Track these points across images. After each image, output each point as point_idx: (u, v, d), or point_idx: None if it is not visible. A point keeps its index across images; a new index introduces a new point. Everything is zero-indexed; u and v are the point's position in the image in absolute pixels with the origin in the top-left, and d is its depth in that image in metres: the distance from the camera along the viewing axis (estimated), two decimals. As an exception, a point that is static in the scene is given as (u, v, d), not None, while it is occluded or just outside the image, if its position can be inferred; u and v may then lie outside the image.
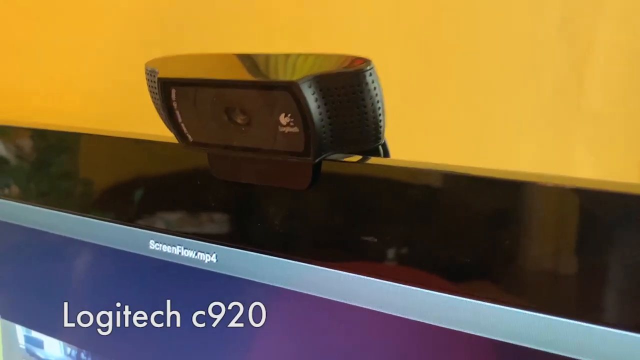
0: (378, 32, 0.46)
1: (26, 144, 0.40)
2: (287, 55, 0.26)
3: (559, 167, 0.44)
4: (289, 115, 0.24)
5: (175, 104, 0.27)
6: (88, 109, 0.52)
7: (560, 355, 0.22)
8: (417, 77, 0.45)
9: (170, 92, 0.26)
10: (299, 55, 0.26)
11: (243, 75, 0.26)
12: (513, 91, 0.44)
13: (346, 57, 0.25)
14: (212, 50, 0.29)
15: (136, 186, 0.34)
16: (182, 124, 0.27)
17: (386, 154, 0.29)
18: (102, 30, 0.52)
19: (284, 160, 0.26)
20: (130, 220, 0.34)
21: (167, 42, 0.50)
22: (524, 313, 0.22)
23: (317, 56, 0.25)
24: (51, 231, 0.38)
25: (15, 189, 0.41)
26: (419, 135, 0.47)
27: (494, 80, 0.44)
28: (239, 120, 0.26)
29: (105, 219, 0.35)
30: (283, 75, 0.25)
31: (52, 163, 0.39)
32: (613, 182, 0.21)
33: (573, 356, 0.22)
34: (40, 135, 0.39)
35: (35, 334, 0.40)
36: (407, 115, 0.46)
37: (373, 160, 0.27)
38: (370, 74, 0.24)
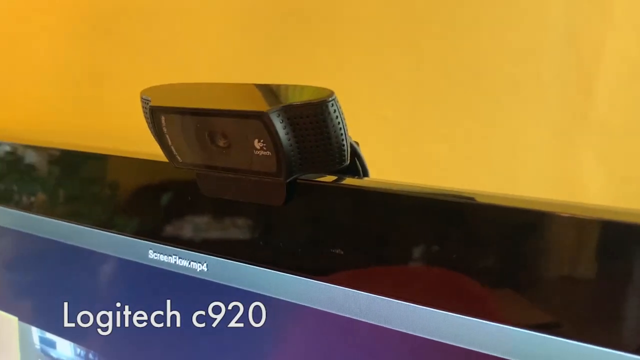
0: (383, 47, 0.47)
1: (46, 163, 0.44)
2: (263, 86, 0.30)
3: (567, 177, 0.44)
4: (262, 140, 0.27)
5: (165, 129, 0.30)
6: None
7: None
8: (422, 87, 0.46)
9: (161, 118, 0.30)
10: (276, 86, 0.29)
11: (223, 104, 0.29)
12: (520, 101, 0.44)
13: (313, 88, 0.28)
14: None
15: (137, 201, 0.38)
16: (172, 146, 0.31)
17: (364, 171, 0.32)
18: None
19: (260, 180, 0.29)
20: (132, 232, 0.37)
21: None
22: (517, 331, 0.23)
23: (288, 87, 0.29)
24: (64, 241, 0.41)
25: (33, 203, 0.44)
26: (424, 144, 0.47)
27: (501, 90, 0.44)
28: (220, 144, 0.29)
29: (110, 230, 0.39)
30: (257, 105, 0.28)
31: (72, 183, 0.43)
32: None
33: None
34: (62, 157, 0.43)
35: (49, 335, 0.44)
36: (413, 123, 0.47)
37: (345, 180, 0.29)
38: (332, 105, 0.27)
